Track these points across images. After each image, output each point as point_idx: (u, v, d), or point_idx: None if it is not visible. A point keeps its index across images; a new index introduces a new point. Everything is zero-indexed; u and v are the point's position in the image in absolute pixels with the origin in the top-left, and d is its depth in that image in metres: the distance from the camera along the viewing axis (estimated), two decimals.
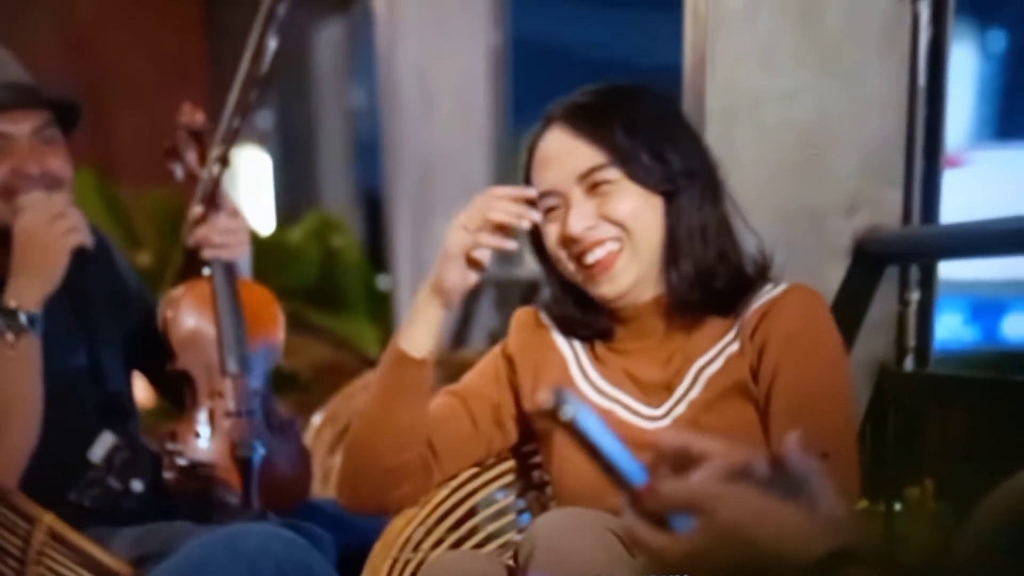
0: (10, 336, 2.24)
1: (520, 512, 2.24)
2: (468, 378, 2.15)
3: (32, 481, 2.26)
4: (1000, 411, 2.13)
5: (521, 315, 2.17)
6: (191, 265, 2.53)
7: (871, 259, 2.41)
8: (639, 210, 1.96)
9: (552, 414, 1.09)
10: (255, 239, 2.66)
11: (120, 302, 2.57)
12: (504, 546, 2.18)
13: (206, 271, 2.50)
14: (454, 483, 2.15)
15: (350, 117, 8.12)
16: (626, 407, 2.02)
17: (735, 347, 1.98)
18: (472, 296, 5.01)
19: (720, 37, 2.37)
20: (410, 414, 2.02)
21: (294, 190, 8.14)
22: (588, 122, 1.97)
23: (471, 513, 2.18)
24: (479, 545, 2.19)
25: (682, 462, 1.15)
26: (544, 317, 2.13)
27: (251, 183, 8.26)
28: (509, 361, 2.13)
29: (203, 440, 2.43)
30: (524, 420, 2.13)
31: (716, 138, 2.35)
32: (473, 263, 1.97)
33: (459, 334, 5.13)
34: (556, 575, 1.74)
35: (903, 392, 2.36)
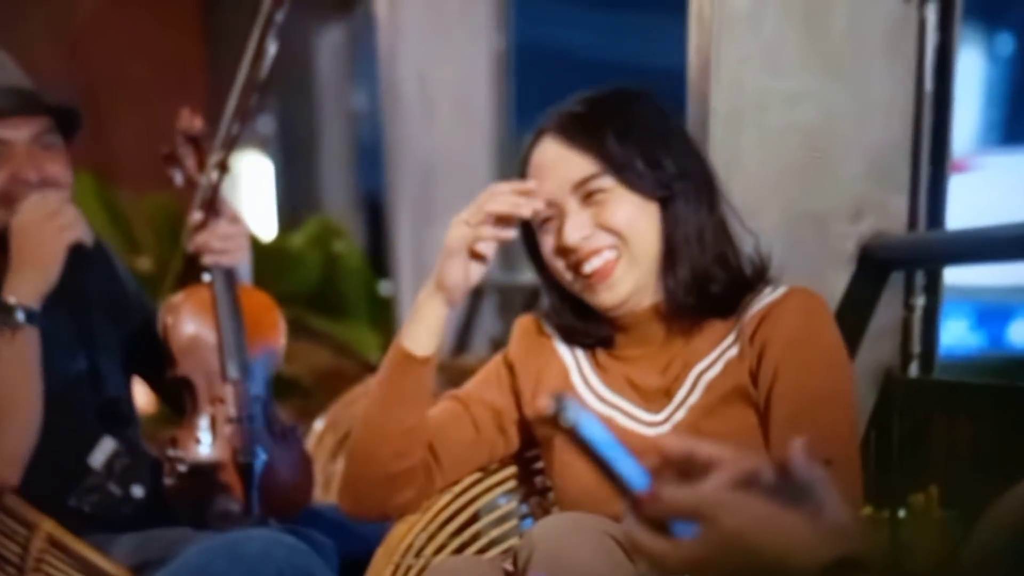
0: (7, 331, 2.24)
1: (523, 518, 2.23)
2: (470, 384, 2.14)
3: (32, 486, 2.25)
4: (1006, 418, 2.12)
5: (523, 322, 2.16)
6: (191, 271, 2.53)
7: (876, 264, 2.40)
8: (635, 217, 1.95)
9: (553, 420, 1.09)
10: (256, 244, 2.66)
11: (120, 308, 2.57)
12: (507, 552, 2.17)
13: (206, 277, 2.50)
14: (456, 488, 2.14)
15: (351, 121, 8.12)
16: (626, 414, 2.01)
17: (734, 351, 1.97)
18: (474, 302, 5.02)
19: (724, 40, 2.36)
20: (412, 416, 2.02)
21: (295, 195, 8.14)
22: (580, 131, 1.97)
23: (473, 519, 2.18)
24: (482, 551, 2.19)
25: (686, 468, 1.14)
26: (546, 324, 2.13)
27: (252, 188, 8.26)
28: (510, 368, 2.12)
29: (204, 446, 2.42)
30: (526, 426, 2.13)
31: (720, 141, 2.35)
32: (476, 256, 1.97)
33: (461, 340, 5.13)
34: None
35: (908, 399, 2.35)
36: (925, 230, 2.42)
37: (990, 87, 9.45)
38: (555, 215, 1.98)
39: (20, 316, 2.25)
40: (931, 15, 2.38)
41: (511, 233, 1.98)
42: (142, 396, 2.70)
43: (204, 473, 2.39)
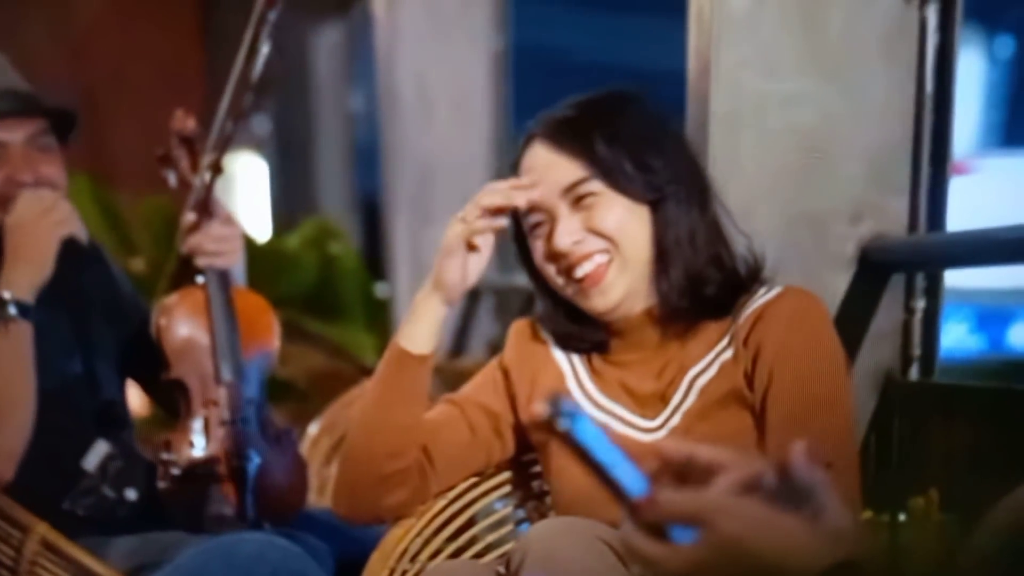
0: (0, 325, 2.24)
1: (519, 522, 2.23)
2: (466, 388, 2.14)
3: (25, 489, 2.24)
4: (1006, 421, 2.12)
5: (518, 327, 2.16)
6: (185, 273, 2.52)
7: (876, 267, 2.39)
8: (625, 221, 1.94)
9: (548, 424, 1.07)
10: (251, 246, 2.65)
11: (115, 310, 2.56)
12: (503, 557, 2.15)
13: (200, 279, 2.49)
14: (452, 493, 2.13)
15: (348, 122, 8.12)
16: (622, 420, 2.00)
17: (728, 354, 1.96)
18: (471, 304, 5.02)
19: (723, 42, 2.36)
20: (407, 415, 2.01)
21: (291, 196, 8.14)
22: (568, 136, 1.96)
23: (470, 523, 2.17)
24: (478, 556, 2.18)
25: (685, 472, 1.14)
26: (541, 329, 2.12)
27: (248, 189, 8.25)
28: (505, 373, 2.12)
29: (198, 449, 2.40)
30: (523, 431, 2.12)
31: (719, 143, 2.35)
32: (473, 249, 1.97)
33: (458, 342, 5.12)
34: None
35: (908, 402, 2.34)
36: (925, 232, 2.41)
37: (990, 89, 9.45)
38: (546, 220, 1.97)
39: (12, 309, 2.24)
40: (931, 16, 2.37)
41: (504, 221, 1.98)
42: (136, 399, 2.69)
43: (198, 476, 2.37)
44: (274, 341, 2.57)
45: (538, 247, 1.99)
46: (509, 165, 2.05)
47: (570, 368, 2.08)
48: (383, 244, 5.79)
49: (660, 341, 2.01)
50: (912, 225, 2.41)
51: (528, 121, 2.03)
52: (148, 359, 2.48)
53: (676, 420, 1.96)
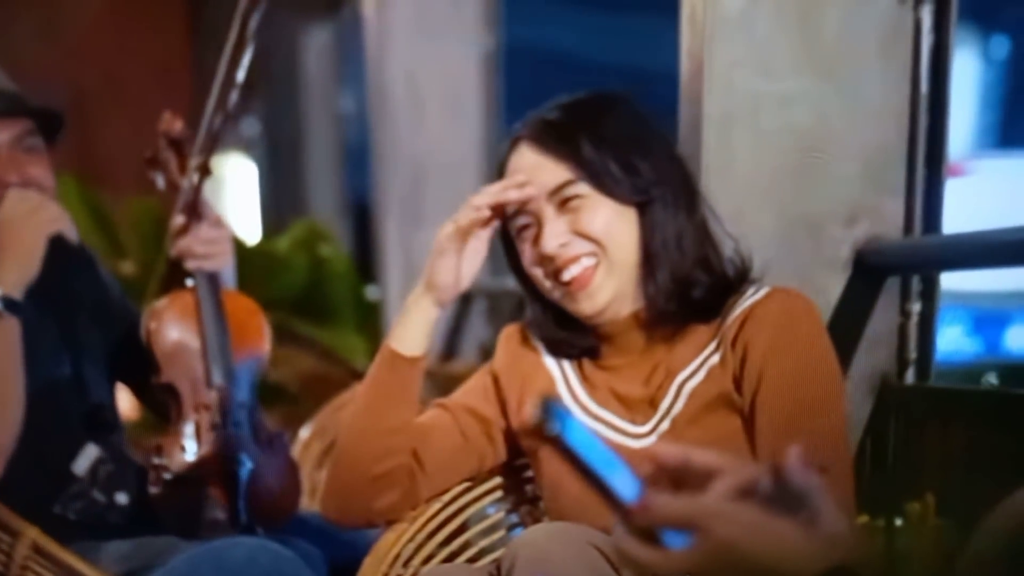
0: None
1: (511, 527, 2.22)
2: (458, 393, 2.13)
3: (15, 493, 2.23)
4: (1003, 425, 2.11)
5: (508, 332, 2.15)
6: (174, 276, 2.51)
7: (871, 270, 2.39)
8: (612, 223, 1.93)
9: (539, 428, 1.06)
10: (241, 248, 2.64)
11: (104, 312, 2.55)
12: (495, 562, 2.15)
13: (189, 282, 2.47)
14: (445, 497, 2.12)
15: (338, 123, 8.10)
16: (612, 426, 1.99)
17: (716, 358, 1.95)
18: (463, 307, 5.00)
19: (717, 42, 2.35)
20: (396, 416, 2.01)
21: (280, 198, 8.13)
22: (554, 138, 1.95)
23: (462, 528, 2.16)
24: (471, 561, 2.17)
25: (678, 477, 1.13)
26: (532, 335, 2.10)
27: (237, 191, 8.24)
28: (495, 379, 2.11)
29: (189, 454, 2.39)
30: (514, 437, 2.11)
31: (713, 145, 2.34)
32: (465, 248, 1.97)
33: (449, 346, 5.11)
34: None
35: (904, 405, 2.34)
36: (921, 235, 2.40)
37: (985, 90, 9.46)
38: (532, 223, 1.96)
39: (0, 305, 2.23)
40: (926, 17, 2.37)
41: (494, 221, 1.98)
42: (126, 402, 2.68)
43: (189, 481, 2.36)
44: (265, 345, 2.56)
45: (525, 250, 1.99)
46: (495, 167, 2.04)
47: (560, 374, 2.07)
48: (374, 246, 5.78)
49: (648, 345, 2.00)
50: (908, 227, 2.40)
51: (519, 121, 2.02)
52: (138, 363, 2.47)
53: (665, 426, 1.95)
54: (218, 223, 2.50)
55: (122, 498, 2.39)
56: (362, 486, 2.02)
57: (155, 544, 2.27)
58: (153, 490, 2.36)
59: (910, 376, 2.40)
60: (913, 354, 2.40)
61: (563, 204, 1.93)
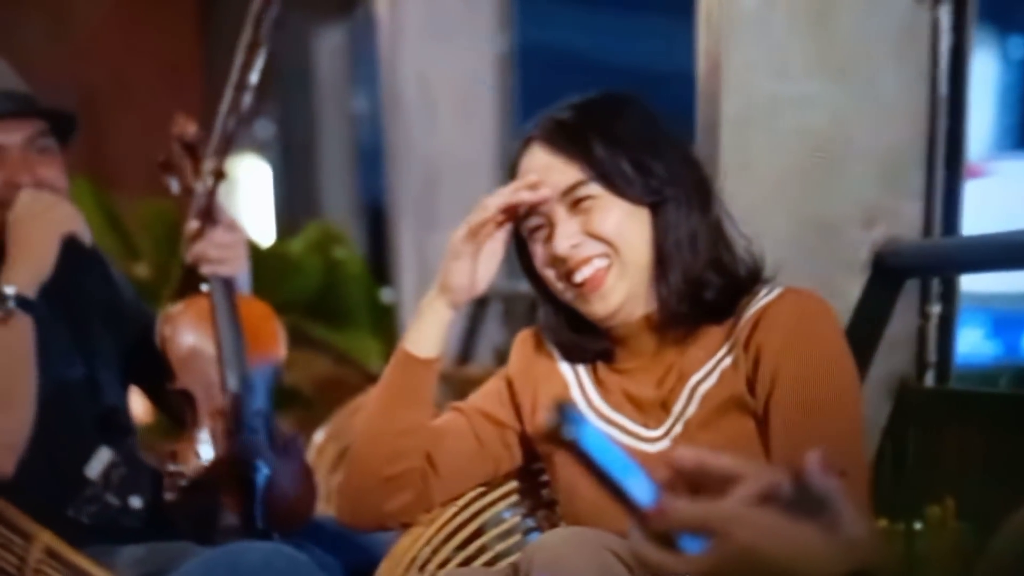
0: (1, 314, 2.23)
1: (528, 531, 2.21)
2: (474, 397, 2.12)
3: (28, 496, 2.23)
4: (1023, 428, 2.09)
5: (523, 336, 2.14)
6: (190, 281, 2.50)
7: (890, 272, 2.38)
8: (624, 224, 1.92)
9: (554, 434, 1.05)
10: (255, 251, 2.64)
11: (117, 315, 2.55)
12: (511, 566, 2.14)
13: (204, 287, 2.47)
14: (461, 502, 2.12)
15: (352, 125, 8.09)
16: (625, 430, 1.97)
17: (729, 360, 1.93)
18: (478, 310, 4.99)
19: (733, 43, 2.35)
20: (410, 417, 2.01)
21: (294, 200, 8.12)
22: (566, 138, 1.94)
23: (478, 532, 2.16)
24: (487, 565, 2.16)
25: (695, 481, 1.11)
26: (546, 340, 2.10)
27: (250, 193, 8.24)
28: (510, 384, 2.10)
29: (204, 460, 2.39)
30: (530, 442, 2.10)
31: (730, 146, 2.34)
32: (480, 250, 1.96)
33: (465, 349, 5.09)
34: None
35: (923, 408, 2.33)
36: (940, 237, 2.40)
37: (1004, 91, 9.43)
38: (544, 224, 1.95)
39: (12, 303, 2.23)
40: (944, 17, 2.36)
41: (507, 224, 1.97)
42: (139, 406, 2.67)
43: (205, 488, 2.36)
44: (280, 350, 2.55)
45: (537, 252, 1.98)
46: (506, 168, 2.03)
47: (574, 378, 2.06)
48: (388, 248, 5.77)
49: (660, 347, 1.99)
50: (927, 229, 2.40)
51: (529, 121, 2.01)
52: (152, 366, 2.47)
53: (678, 429, 1.93)
54: (232, 227, 2.49)
55: (136, 502, 2.38)
56: (374, 488, 2.02)
57: (169, 548, 2.25)
58: (168, 496, 2.36)
59: (929, 379, 2.40)
60: (932, 357, 2.39)
61: (575, 205, 1.92)
